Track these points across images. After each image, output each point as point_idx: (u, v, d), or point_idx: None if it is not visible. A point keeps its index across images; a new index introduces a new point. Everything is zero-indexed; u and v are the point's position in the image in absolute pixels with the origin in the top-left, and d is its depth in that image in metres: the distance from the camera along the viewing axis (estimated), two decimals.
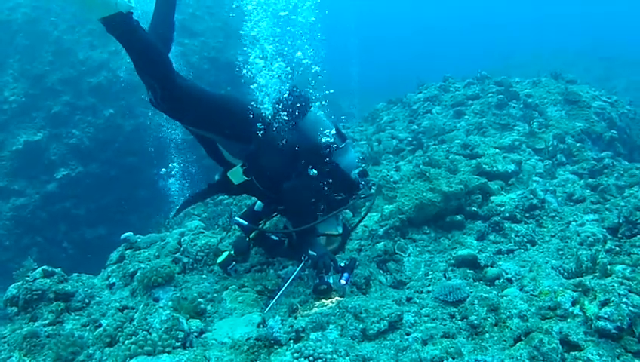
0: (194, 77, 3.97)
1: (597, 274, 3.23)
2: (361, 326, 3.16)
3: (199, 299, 3.61)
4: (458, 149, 6.45)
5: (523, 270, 3.89)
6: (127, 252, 4.77)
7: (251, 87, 3.70)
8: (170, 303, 3.56)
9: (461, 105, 8.37)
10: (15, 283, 3.92)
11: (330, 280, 3.55)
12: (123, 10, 2.99)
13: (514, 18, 40.50)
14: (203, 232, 4.87)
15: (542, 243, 4.37)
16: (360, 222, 4.54)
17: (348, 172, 3.98)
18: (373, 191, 4.88)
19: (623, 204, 4.51)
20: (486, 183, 5.19)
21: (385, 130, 8.53)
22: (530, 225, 4.62)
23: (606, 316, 2.69)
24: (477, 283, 3.82)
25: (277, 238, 4.13)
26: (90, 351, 3.21)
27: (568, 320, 2.89)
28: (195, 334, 3.25)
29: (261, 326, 3.28)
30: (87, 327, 3.59)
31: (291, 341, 2.95)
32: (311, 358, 2.66)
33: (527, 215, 4.78)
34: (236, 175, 3.79)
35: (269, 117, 3.73)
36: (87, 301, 3.95)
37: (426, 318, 3.33)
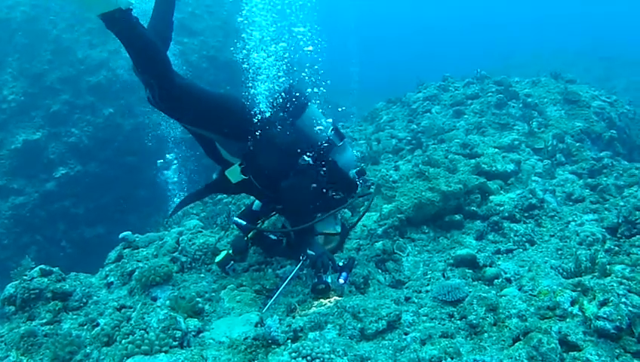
0: (193, 76, 3.95)
1: (596, 273, 3.22)
2: (359, 325, 3.15)
3: (197, 298, 3.61)
4: (457, 149, 6.44)
5: (522, 270, 3.88)
6: (125, 251, 4.77)
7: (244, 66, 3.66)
8: (167, 302, 3.55)
9: (460, 105, 8.35)
10: (13, 282, 3.92)
11: (329, 280, 3.55)
12: (122, 7, 2.98)
13: (514, 18, 40.51)
14: (201, 231, 4.87)
15: (541, 242, 4.37)
16: (359, 221, 4.53)
17: (346, 170, 3.97)
18: (372, 190, 4.87)
19: (622, 203, 4.51)
20: (485, 183, 5.18)
21: (384, 129, 8.52)
22: (530, 225, 4.61)
23: (605, 316, 2.69)
24: (476, 282, 3.81)
25: (275, 237, 4.13)
26: (88, 351, 3.21)
27: (567, 320, 2.88)
28: (193, 333, 3.24)
29: (259, 325, 3.28)
30: (85, 326, 3.58)
31: (289, 340, 2.95)
32: (309, 358, 2.65)
33: (526, 215, 4.77)
34: (234, 174, 3.78)
35: (267, 115, 3.72)
36: (84, 300, 3.94)
37: (424, 318, 3.33)
